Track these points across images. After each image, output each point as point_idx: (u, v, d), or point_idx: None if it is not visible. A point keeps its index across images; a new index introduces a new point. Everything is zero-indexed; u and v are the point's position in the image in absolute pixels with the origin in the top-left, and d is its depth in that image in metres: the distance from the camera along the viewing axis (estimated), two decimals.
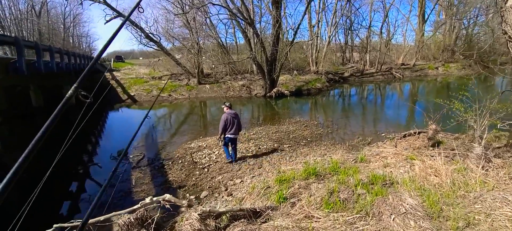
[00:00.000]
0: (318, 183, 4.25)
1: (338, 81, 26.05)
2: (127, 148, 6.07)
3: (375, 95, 21.17)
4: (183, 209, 3.68)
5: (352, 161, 5.71)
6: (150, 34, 21.88)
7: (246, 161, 7.10)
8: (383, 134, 9.20)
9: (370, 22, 28.97)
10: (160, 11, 28.50)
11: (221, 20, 20.07)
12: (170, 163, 7.34)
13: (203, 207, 3.30)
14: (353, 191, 3.60)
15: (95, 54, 53.13)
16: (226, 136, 6.74)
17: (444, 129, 7.10)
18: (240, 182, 5.95)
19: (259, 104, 17.38)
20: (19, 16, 42.76)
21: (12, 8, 42.51)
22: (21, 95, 18.09)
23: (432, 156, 5.81)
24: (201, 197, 5.50)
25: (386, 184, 3.94)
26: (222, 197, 5.33)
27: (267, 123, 11.60)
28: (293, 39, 17.24)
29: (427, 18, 32.83)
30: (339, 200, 3.37)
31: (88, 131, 12.45)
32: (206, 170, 6.77)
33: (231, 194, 5.41)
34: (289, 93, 18.56)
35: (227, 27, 28.35)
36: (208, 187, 5.87)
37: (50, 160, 1.74)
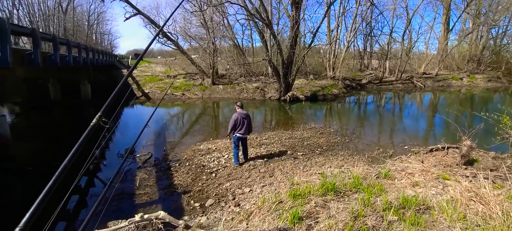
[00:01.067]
0: (338, 201, 3.73)
1: (355, 88, 25.16)
2: (131, 147, 5.79)
3: (394, 104, 20.18)
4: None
5: (375, 176, 5.13)
6: (167, 33, 22.02)
7: (256, 167, 6.66)
8: (406, 147, 8.50)
9: (392, 29, 27.87)
10: (179, 10, 28.69)
11: (238, 21, 19.74)
12: (177, 165, 7.01)
13: None
14: (382, 217, 3.06)
15: (116, 52, 54.74)
16: (235, 135, 6.71)
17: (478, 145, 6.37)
18: (249, 191, 5.51)
19: (273, 107, 16.91)
20: (47, 12, 44.63)
21: (41, 4, 44.42)
22: (40, 88, 18.56)
23: (467, 177, 5.15)
24: (206, 205, 5.09)
25: (420, 209, 3.37)
26: (229, 206, 4.91)
27: (280, 128, 11.12)
28: (311, 42, 16.70)
29: (453, 27, 31.29)
30: (367, 228, 2.85)
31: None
32: (213, 175, 6.38)
33: (239, 204, 4.98)
34: (304, 98, 17.97)
35: (244, 28, 28.19)
36: (215, 195, 5.47)
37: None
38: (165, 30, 22.12)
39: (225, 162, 7.08)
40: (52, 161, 7.25)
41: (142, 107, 17.28)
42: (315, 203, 3.61)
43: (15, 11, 39.79)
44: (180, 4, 5.23)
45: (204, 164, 7.04)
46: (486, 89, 26.48)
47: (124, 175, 6.50)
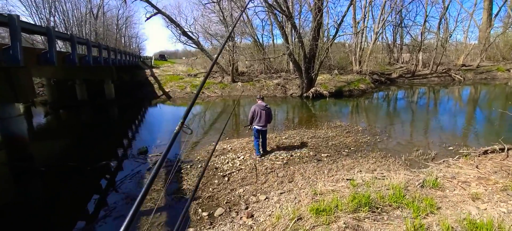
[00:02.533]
0: (375, 221, 2.89)
1: (384, 83, 23.37)
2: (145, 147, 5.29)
3: (429, 99, 18.27)
4: None
5: (418, 185, 4.17)
6: (188, 32, 21.92)
7: (274, 171, 5.93)
8: (450, 148, 7.27)
9: (426, 17, 25.50)
10: (198, 7, 28.64)
11: (256, 13, 18.97)
12: (188, 166, 6.47)
13: None
14: None
15: (143, 53, 56.70)
16: (254, 127, 6.67)
17: None
18: (265, 199, 4.79)
19: (295, 105, 16.01)
20: (80, 18, 47.34)
21: (75, 11, 47.19)
22: (68, 89, 19.29)
23: None
24: (215, 214, 4.46)
25: None
26: (240, 218, 4.23)
27: (302, 126, 10.26)
28: (336, 34, 15.51)
29: (497, 13, 28.00)
30: None
31: (122, 125, 12.42)
32: (226, 178, 5.74)
33: (252, 216, 4.28)
34: (328, 94, 16.84)
35: (264, 23, 27.37)
36: (226, 202, 4.82)
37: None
38: (186, 30, 22.08)
39: (240, 164, 6.43)
40: (75, 161, 7.20)
41: (163, 107, 17.23)
42: (344, 223, 2.81)
43: (52, 18, 42.63)
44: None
45: (217, 166, 6.44)
46: None
47: (132, 177, 6.11)
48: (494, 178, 4.45)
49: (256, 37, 22.06)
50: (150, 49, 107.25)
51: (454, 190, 4.04)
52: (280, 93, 18.47)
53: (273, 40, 27.89)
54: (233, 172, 6.03)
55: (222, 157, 6.99)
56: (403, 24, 29.31)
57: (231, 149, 7.60)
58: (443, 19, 26.98)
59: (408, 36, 31.44)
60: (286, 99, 17.67)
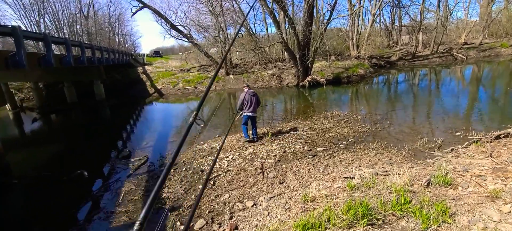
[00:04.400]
0: None
1: (383, 67, 22.61)
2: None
3: (431, 81, 17.56)
4: None
5: (425, 182, 3.59)
6: (178, 26, 21.06)
7: (264, 171, 5.36)
8: (458, 133, 6.68)
9: None
10: (191, 2, 27.66)
11: (247, 2, 18.14)
12: (172, 171, 5.92)
13: None
14: None
15: (139, 51, 55.69)
16: (245, 114, 6.82)
17: None
18: (253, 206, 4.24)
19: (291, 95, 15.37)
20: (71, 18, 46.30)
21: (65, 11, 46.15)
22: (58, 92, 18.70)
23: None
24: (195, 228, 3.92)
25: None
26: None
27: (298, 117, 9.67)
28: (330, 17, 14.71)
29: None
30: None
31: (110, 127, 11.86)
32: (211, 182, 5.19)
33: (237, 227, 3.75)
34: (325, 81, 16.16)
35: (255, 12, 26.41)
36: (209, 212, 4.27)
37: None
38: (176, 23, 21.24)
39: (227, 165, 5.87)
40: (54, 170, 6.68)
41: (154, 105, 16.61)
42: None
43: (41, 20, 41.64)
44: None
45: (203, 168, 5.88)
46: None
47: (110, 186, 5.56)
48: None
49: (248, 26, 21.22)
50: (146, 47, 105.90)
51: (468, 186, 3.46)
52: (275, 84, 17.81)
53: (266, 29, 27.03)
54: (220, 174, 5.48)
55: (210, 157, 6.42)
56: (401, 4, 28.30)
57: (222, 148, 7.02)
58: None
59: (406, 16, 30.47)
60: (282, 89, 17.01)
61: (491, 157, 4.48)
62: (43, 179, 6.25)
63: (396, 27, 31.80)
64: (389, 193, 3.10)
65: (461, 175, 3.84)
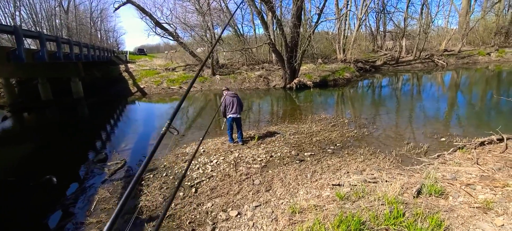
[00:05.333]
0: None
1: (369, 71, 23.00)
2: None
3: (415, 86, 18.00)
4: None
5: (416, 191, 3.47)
6: (163, 23, 20.42)
7: (249, 177, 5.11)
8: (443, 139, 6.72)
9: (408, 3, 25.21)
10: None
11: (235, 1, 17.87)
12: (151, 176, 5.54)
13: None
14: None
15: (123, 48, 53.75)
16: (229, 117, 6.64)
17: None
18: (237, 216, 3.98)
19: (278, 97, 15.23)
20: (49, 12, 44.07)
21: (43, 3, 43.89)
22: (32, 89, 17.60)
23: None
24: None
25: None
26: None
27: (285, 121, 9.49)
28: (318, 20, 14.74)
29: None
30: None
31: (88, 127, 11.20)
32: (193, 190, 4.87)
33: None
34: (312, 84, 16.16)
35: (243, 12, 26.19)
36: (189, 222, 3.96)
37: None
38: (162, 21, 20.59)
39: (211, 170, 5.57)
40: (21, 174, 6.07)
41: (137, 105, 15.95)
42: None
43: (17, 12, 39.32)
44: None
45: (186, 173, 5.55)
46: None
47: (82, 193, 5.12)
48: (500, 178, 3.84)
49: (236, 26, 20.93)
50: (131, 44, 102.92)
51: (458, 196, 3.37)
52: (262, 86, 17.63)
53: (254, 30, 26.84)
54: (203, 181, 5.17)
55: (192, 162, 6.09)
56: (386, 10, 28.98)
57: (204, 151, 6.71)
58: (425, 5, 26.81)
59: (390, 23, 31.26)
60: (269, 91, 16.85)
61: (478, 164, 4.47)
62: (7, 185, 5.69)
63: (380, 32, 32.57)
64: (381, 204, 2.94)
65: (451, 183, 3.76)
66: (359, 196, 3.45)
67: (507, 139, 5.22)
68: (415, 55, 25.12)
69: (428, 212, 2.80)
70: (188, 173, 5.53)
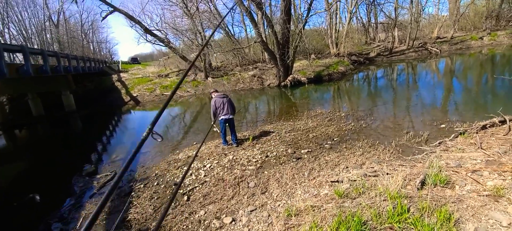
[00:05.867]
0: None
1: (363, 63, 22.86)
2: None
3: (410, 75, 17.85)
4: None
5: (419, 182, 3.24)
6: (154, 30, 20.10)
7: (245, 180, 4.86)
8: (443, 125, 6.52)
9: None
10: (164, 4, 26.75)
11: (224, 4, 17.67)
12: (142, 186, 5.27)
13: None
14: None
15: (116, 59, 53.13)
16: (221, 119, 6.34)
17: None
18: (231, 223, 3.73)
19: (273, 95, 15.00)
20: (39, 27, 43.60)
21: (33, 19, 43.44)
22: (22, 106, 17.22)
23: None
24: None
25: None
26: None
27: (281, 119, 9.26)
28: (308, 13, 14.52)
29: None
30: None
31: (79, 140, 10.89)
32: (185, 197, 4.61)
33: None
34: (307, 80, 15.96)
35: (233, 12, 25.98)
36: None
37: None
38: (152, 28, 20.28)
39: (204, 176, 5.31)
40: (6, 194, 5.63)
41: (133, 113, 15.64)
42: None
43: (6, 29, 38.78)
44: None
45: (178, 180, 5.29)
46: (511, 46, 23.64)
47: (67, 210, 4.83)
48: (507, 162, 3.62)
49: (226, 28, 20.70)
50: (124, 54, 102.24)
51: (465, 184, 3.15)
52: (256, 85, 17.39)
53: (245, 31, 26.66)
54: (196, 187, 4.91)
55: (185, 168, 5.83)
56: (376, 1, 28.90)
57: (198, 156, 6.44)
58: None
59: (381, 14, 31.22)
60: (264, 90, 16.62)
61: (482, 149, 4.25)
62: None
63: (372, 24, 32.52)
64: (383, 200, 2.70)
65: (456, 171, 3.53)
66: (359, 192, 3.22)
67: (510, 120, 5.01)
68: (408, 44, 25.05)
69: (435, 204, 2.57)
70: (180, 179, 5.27)
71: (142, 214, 4.31)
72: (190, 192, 4.76)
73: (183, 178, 1.70)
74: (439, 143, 5.25)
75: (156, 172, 5.87)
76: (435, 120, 7.05)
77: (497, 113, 5.38)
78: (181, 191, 4.87)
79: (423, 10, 28.19)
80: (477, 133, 5.12)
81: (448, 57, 22.69)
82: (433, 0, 44.22)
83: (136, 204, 4.61)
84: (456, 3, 28.59)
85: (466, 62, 20.16)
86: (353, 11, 25.53)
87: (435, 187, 3.16)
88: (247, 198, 4.28)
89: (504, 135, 4.70)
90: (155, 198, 4.74)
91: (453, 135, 5.43)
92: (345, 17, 26.21)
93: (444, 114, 7.53)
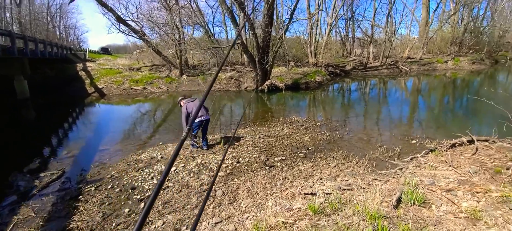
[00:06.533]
0: None
1: (339, 75, 23.45)
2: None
3: (383, 90, 18.57)
4: None
5: (395, 200, 3.07)
6: (128, 20, 18.84)
7: (212, 187, 4.42)
8: (413, 141, 6.60)
9: (375, 11, 26.33)
10: None
11: (206, 1, 17.17)
12: (93, 189, 4.61)
13: None
14: None
15: (84, 47, 49.51)
16: (197, 120, 5.75)
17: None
18: None
19: (249, 99, 14.67)
20: None
21: None
22: None
23: None
24: None
25: None
26: None
27: (255, 123, 8.94)
28: (290, 21, 14.51)
29: (436, 9, 30.23)
30: None
31: (30, 132, 9.63)
32: (142, 204, 4.07)
33: None
34: (284, 86, 15.88)
35: (214, 11, 25.49)
36: None
37: None
38: (126, 18, 19.00)
39: (169, 178, 4.79)
40: None
41: (96, 106, 14.37)
42: None
43: None
44: None
45: (136, 184, 4.71)
46: (470, 72, 25.73)
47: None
48: (478, 182, 3.59)
49: (206, 26, 20.10)
50: (97, 43, 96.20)
51: (441, 204, 3.02)
52: (233, 88, 16.99)
53: (226, 32, 26.19)
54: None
55: (146, 170, 5.24)
56: (354, 18, 30.05)
57: (162, 157, 5.88)
58: (389, 15, 28.17)
59: (359, 30, 32.51)
60: (240, 93, 16.26)
61: (453, 167, 4.24)
62: None
63: (349, 39, 33.72)
64: (362, 220, 2.45)
65: (431, 189, 3.42)
66: (335, 208, 2.96)
67: (477, 140, 5.13)
68: (382, 61, 26.22)
69: (415, 227, 2.36)
70: (140, 184, 4.70)
71: (87, 222, 3.69)
72: (148, 199, 4.21)
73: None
74: (411, 159, 5.24)
75: (113, 173, 5.22)
76: (406, 135, 7.15)
77: (465, 133, 5.51)
78: (138, 196, 4.31)
79: (397, 30, 29.84)
80: (447, 150, 5.18)
81: (416, 77, 24.06)
82: (406, 23, 47.19)
83: (82, 210, 3.97)
84: (426, 28, 30.63)
85: (431, 83, 21.47)
86: (333, 24, 26.27)
87: (412, 205, 2.99)
88: (213, 208, 3.86)
89: (472, 155, 4.78)
90: (107, 203, 4.13)
91: (424, 151, 5.46)
92: (325, 28, 26.89)
93: (414, 130, 7.71)
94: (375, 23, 27.07)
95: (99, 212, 3.90)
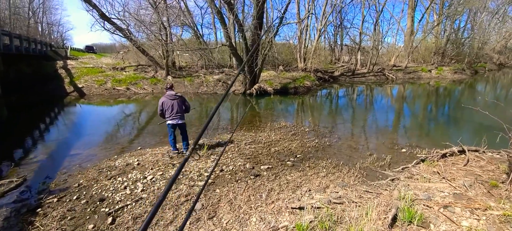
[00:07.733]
0: None
1: (327, 81, 23.49)
2: None
3: (371, 97, 18.67)
4: None
5: (391, 218, 2.79)
6: (114, 19, 18.09)
7: (191, 199, 4.03)
8: (403, 150, 6.44)
9: (363, 19, 26.71)
10: None
11: (195, 2, 16.70)
12: (55, 200, 4.10)
13: None
14: None
15: (68, 44, 47.53)
16: (168, 123, 5.59)
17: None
18: None
19: (237, 103, 14.30)
20: None
21: None
22: None
23: None
24: None
25: None
26: None
27: (242, 128, 8.58)
28: (279, 24, 14.34)
29: (421, 19, 31.06)
30: None
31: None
32: (110, 219, 3.61)
33: None
34: (273, 91, 15.63)
35: (203, 12, 25.05)
36: None
37: None
38: (112, 16, 18.24)
39: (142, 190, 4.34)
40: None
41: (76, 107, 13.57)
42: None
43: None
44: None
45: (106, 194, 4.23)
46: (453, 81, 26.48)
47: None
48: (475, 197, 3.38)
49: (195, 27, 19.64)
50: (82, 42, 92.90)
51: (440, 224, 2.76)
52: (221, 90, 16.58)
53: (215, 34, 25.82)
54: (127, 205, 3.92)
55: (119, 178, 4.77)
56: (343, 25, 30.40)
57: (138, 164, 5.41)
58: (377, 23, 28.68)
59: (347, 37, 32.94)
60: (228, 96, 15.86)
61: (447, 180, 4.04)
62: None
63: (338, 45, 34.09)
64: None
65: (427, 205, 3.17)
66: (325, 227, 2.64)
67: (469, 150, 4.99)
68: (369, 68, 26.54)
69: None
70: (110, 195, 4.23)
71: None
72: (119, 212, 3.76)
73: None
74: (402, 169, 5.03)
75: (81, 181, 4.71)
76: (395, 143, 7.00)
77: (456, 143, 5.37)
78: (107, 209, 3.84)
79: (383, 39, 30.41)
80: (438, 161, 5.01)
81: (402, 85, 24.49)
82: (392, 32, 48.43)
83: (38, 226, 3.47)
84: (411, 37, 31.40)
85: (416, 91, 21.87)
86: (322, 30, 26.40)
87: (408, 224, 2.72)
88: (190, 224, 3.46)
89: (464, 166, 4.61)
90: (68, 218, 3.64)
91: (415, 161, 5.28)
92: (315, 34, 26.97)
93: (403, 139, 7.57)
94: (363, 31, 27.49)
95: (57, 229, 3.41)
